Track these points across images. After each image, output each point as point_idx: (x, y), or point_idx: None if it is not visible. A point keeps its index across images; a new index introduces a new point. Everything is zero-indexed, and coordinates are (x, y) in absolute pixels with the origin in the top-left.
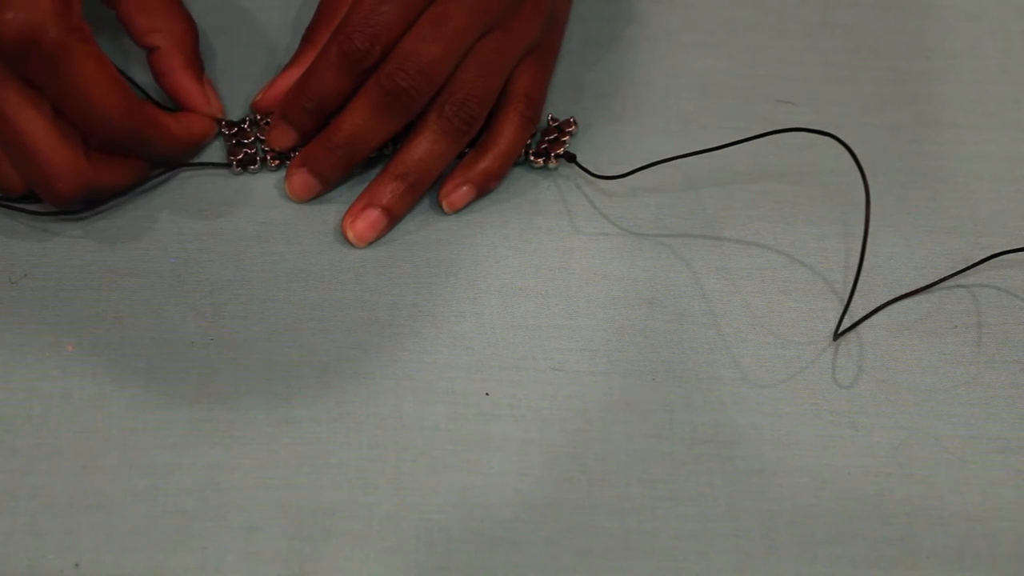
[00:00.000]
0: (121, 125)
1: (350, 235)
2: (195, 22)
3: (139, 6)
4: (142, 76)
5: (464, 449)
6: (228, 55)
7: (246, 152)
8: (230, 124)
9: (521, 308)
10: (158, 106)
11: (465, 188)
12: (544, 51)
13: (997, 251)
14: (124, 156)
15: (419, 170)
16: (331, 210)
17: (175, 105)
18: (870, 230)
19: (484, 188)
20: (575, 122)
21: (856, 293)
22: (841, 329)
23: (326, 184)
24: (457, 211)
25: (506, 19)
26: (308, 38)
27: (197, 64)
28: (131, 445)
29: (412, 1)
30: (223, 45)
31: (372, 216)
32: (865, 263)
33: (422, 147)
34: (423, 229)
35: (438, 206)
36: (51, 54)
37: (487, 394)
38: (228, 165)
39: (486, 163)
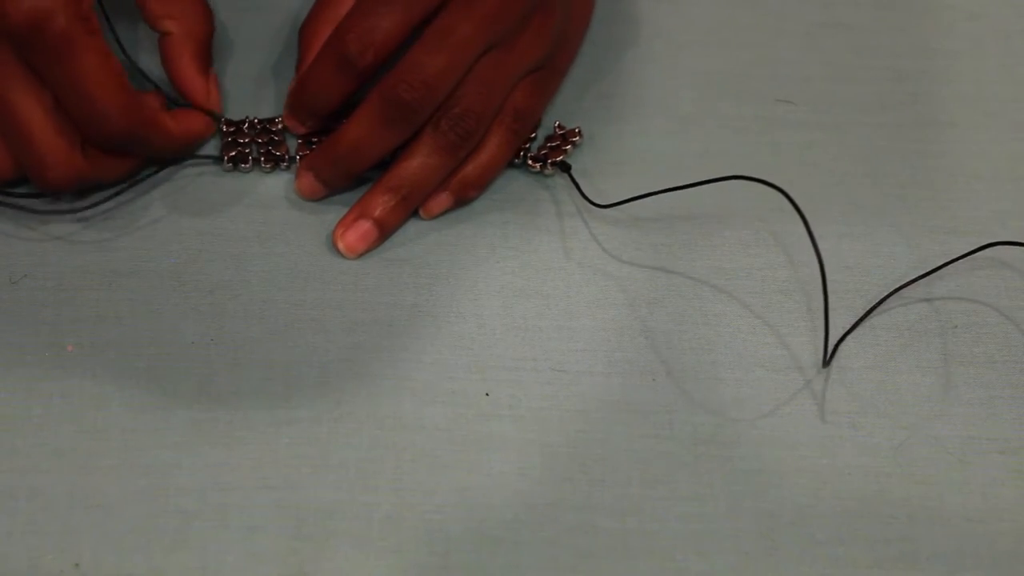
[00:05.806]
0: (118, 124)
1: (340, 246)
2: (213, 15)
3: None
4: (153, 66)
5: (464, 449)
6: (227, 55)
7: (239, 150)
8: (229, 123)
9: (521, 308)
10: (159, 92)
11: (443, 195)
12: (548, 71)
13: (994, 241)
14: (120, 152)
15: (412, 183)
16: (331, 211)
17: (178, 93)
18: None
19: (462, 197)
20: (580, 133)
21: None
22: (840, 331)
23: (331, 189)
24: (433, 217)
25: (510, 37)
26: (304, 36)
27: (205, 56)
28: (131, 445)
29: (411, 8)
30: (222, 45)
31: (363, 228)
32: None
33: (416, 161)
34: (423, 230)
35: None
36: (56, 42)
37: (487, 394)
38: (220, 160)
39: (465, 172)
